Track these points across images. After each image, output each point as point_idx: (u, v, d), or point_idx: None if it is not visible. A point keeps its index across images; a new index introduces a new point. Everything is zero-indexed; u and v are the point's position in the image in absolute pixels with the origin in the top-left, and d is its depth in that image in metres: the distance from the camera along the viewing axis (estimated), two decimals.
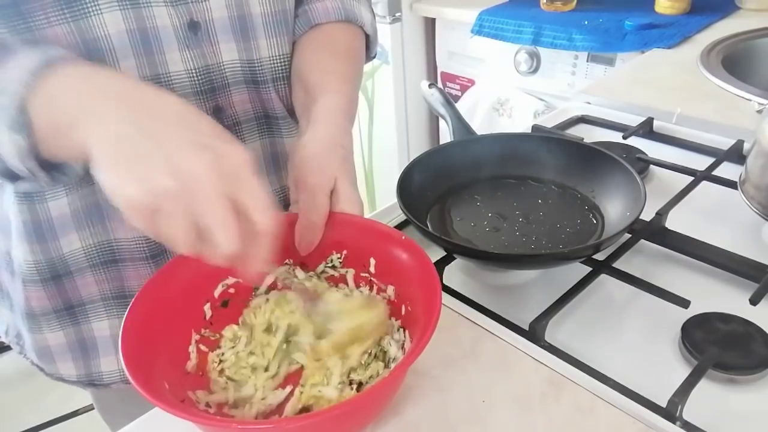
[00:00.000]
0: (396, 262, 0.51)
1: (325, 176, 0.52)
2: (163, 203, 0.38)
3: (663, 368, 0.53)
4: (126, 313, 0.45)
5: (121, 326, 0.44)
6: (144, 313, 0.46)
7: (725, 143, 0.82)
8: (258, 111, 0.66)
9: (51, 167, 0.47)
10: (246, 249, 0.40)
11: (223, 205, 0.39)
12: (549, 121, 0.93)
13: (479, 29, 1.58)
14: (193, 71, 0.59)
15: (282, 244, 0.53)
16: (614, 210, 0.65)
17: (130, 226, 0.40)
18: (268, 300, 0.53)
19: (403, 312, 0.51)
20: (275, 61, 0.64)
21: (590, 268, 0.61)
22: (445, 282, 0.60)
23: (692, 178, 0.74)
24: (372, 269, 0.53)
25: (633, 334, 0.57)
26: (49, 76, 0.43)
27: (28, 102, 0.42)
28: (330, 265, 0.55)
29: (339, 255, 0.54)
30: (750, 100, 0.93)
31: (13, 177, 0.48)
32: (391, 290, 0.52)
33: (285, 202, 0.72)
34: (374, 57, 0.76)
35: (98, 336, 0.67)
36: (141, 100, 0.42)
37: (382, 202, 0.62)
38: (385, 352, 0.50)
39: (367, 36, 0.72)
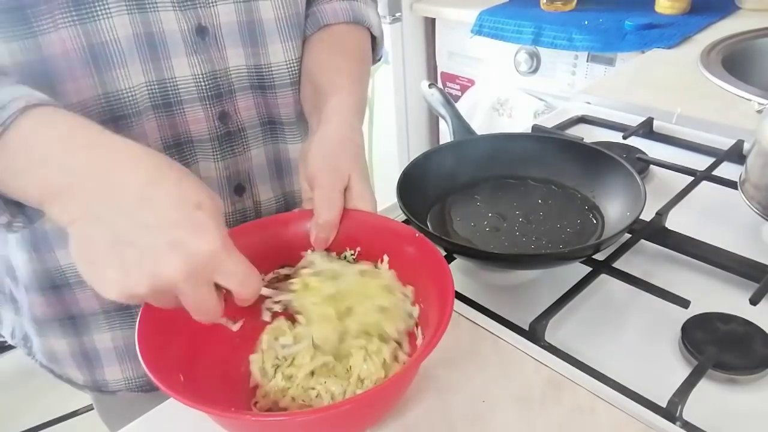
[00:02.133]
0: (409, 259, 0.51)
1: (338, 174, 0.52)
2: (141, 299, 0.41)
3: (663, 368, 0.53)
4: (141, 309, 0.46)
5: (138, 319, 0.45)
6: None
7: (725, 143, 0.82)
8: (263, 117, 0.65)
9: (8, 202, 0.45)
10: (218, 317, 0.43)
11: (201, 296, 0.41)
12: (549, 121, 0.93)
13: (479, 29, 1.58)
14: (200, 76, 0.58)
15: (298, 240, 0.54)
16: (614, 210, 0.65)
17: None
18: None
19: (417, 310, 0.51)
20: (291, 65, 0.64)
21: (590, 268, 0.61)
22: None
23: (692, 178, 0.74)
24: (386, 265, 0.53)
25: (633, 334, 0.57)
26: (10, 124, 0.41)
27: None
28: (344, 261, 0.55)
29: (352, 251, 0.55)
30: (750, 100, 0.93)
31: None
32: (409, 291, 0.52)
33: (287, 208, 0.72)
34: (380, 59, 0.76)
35: (101, 348, 0.67)
36: (107, 166, 0.41)
37: (382, 202, 0.62)
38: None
39: (373, 38, 0.72)
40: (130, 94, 0.55)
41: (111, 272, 0.39)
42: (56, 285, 0.62)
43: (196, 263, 0.39)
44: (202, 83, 0.59)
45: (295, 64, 0.64)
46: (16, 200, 0.45)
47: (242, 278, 0.42)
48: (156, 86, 0.57)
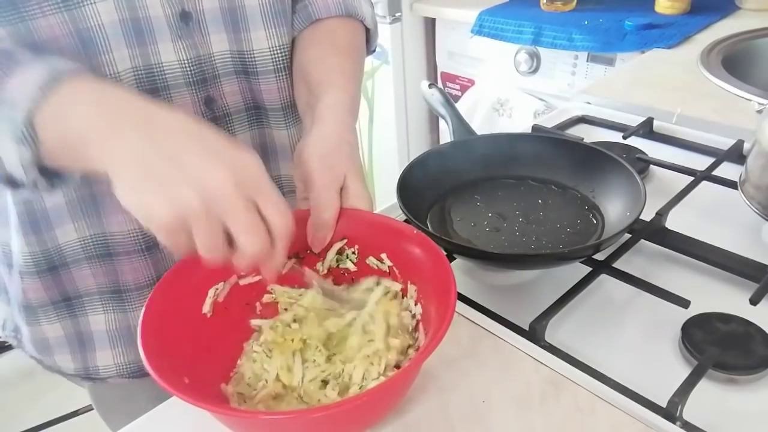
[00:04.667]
0: (409, 257, 0.52)
1: (334, 174, 0.52)
2: (191, 220, 0.40)
3: (663, 368, 0.53)
4: (144, 305, 0.46)
5: (140, 319, 0.44)
6: (162, 305, 0.46)
7: (725, 143, 0.82)
8: (248, 102, 0.66)
9: (51, 174, 0.47)
10: (266, 251, 0.42)
11: (248, 210, 0.41)
12: (549, 121, 0.93)
13: (479, 29, 1.58)
14: (186, 62, 0.59)
15: (296, 240, 0.54)
16: (614, 210, 0.65)
17: (161, 241, 0.42)
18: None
19: (420, 308, 0.51)
20: (275, 52, 0.64)
21: (590, 268, 0.61)
22: None
23: (692, 178, 0.74)
24: (386, 263, 0.53)
25: (633, 334, 0.57)
26: (57, 90, 0.43)
27: (35, 116, 0.42)
28: (345, 258, 0.55)
29: (352, 249, 0.55)
30: (750, 100, 0.93)
31: (13, 184, 0.48)
32: (413, 290, 0.52)
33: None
34: (374, 51, 0.76)
35: (94, 330, 0.67)
36: (151, 118, 0.43)
37: (382, 202, 0.63)
38: None
39: (367, 30, 0.72)
40: (116, 79, 0.55)
41: (163, 189, 0.40)
42: (54, 266, 0.63)
43: (242, 175, 0.41)
44: (188, 68, 0.59)
45: (279, 52, 0.64)
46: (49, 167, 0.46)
47: (282, 205, 0.43)
48: (143, 72, 0.57)
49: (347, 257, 0.55)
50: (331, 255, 0.55)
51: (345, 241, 0.55)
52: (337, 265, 0.56)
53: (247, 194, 0.41)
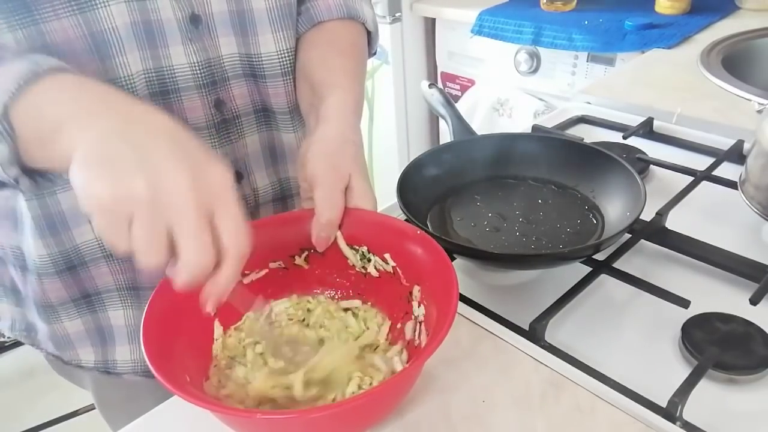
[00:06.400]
0: (412, 258, 0.52)
1: (339, 173, 0.52)
2: (133, 209, 0.37)
3: (663, 368, 0.53)
4: (147, 305, 0.46)
5: (143, 318, 0.45)
6: (165, 304, 0.46)
7: (725, 143, 0.82)
8: (257, 105, 0.66)
9: (34, 172, 0.46)
10: (212, 270, 0.40)
11: (197, 217, 0.38)
12: (549, 121, 0.93)
13: (479, 29, 1.58)
14: (196, 65, 0.59)
15: (299, 240, 0.54)
16: (614, 210, 0.65)
17: (98, 234, 0.39)
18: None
19: (423, 309, 0.51)
20: (282, 55, 0.64)
21: (590, 268, 0.61)
22: None
23: (692, 178, 0.74)
24: (389, 264, 0.54)
25: (633, 334, 0.57)
26: (36, 85, 0.42)
27: (11, 110, 0.41)
28: (360, 256, 0.55)
29: (367, 248, 0.55)
30: (750, 100, 0.93)
31: None
32: (417, 290, 0.52)
33: (283, 194, 0.73)
34: (375, 53, 0.76)
35: (114, 324, 0.68)
36: (131, 111, 0.42)
37: (382, 202, 0.63)
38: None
39: (368, 33, 0.72)
40: (128, 82, 0.55)
41: (114, 169, 0.37)
42: (72, 265, 0.63)
43: (206, 181, 0.39)
44: (198, 71, 0.59)
45: (286, 55, 0.64)
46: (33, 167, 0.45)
47: (242, 225, 0.40)
48: (154, 74, 0.57)
49: (364, 256, 0.55)
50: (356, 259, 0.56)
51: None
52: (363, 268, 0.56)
53: (204, 202, 0.38)
